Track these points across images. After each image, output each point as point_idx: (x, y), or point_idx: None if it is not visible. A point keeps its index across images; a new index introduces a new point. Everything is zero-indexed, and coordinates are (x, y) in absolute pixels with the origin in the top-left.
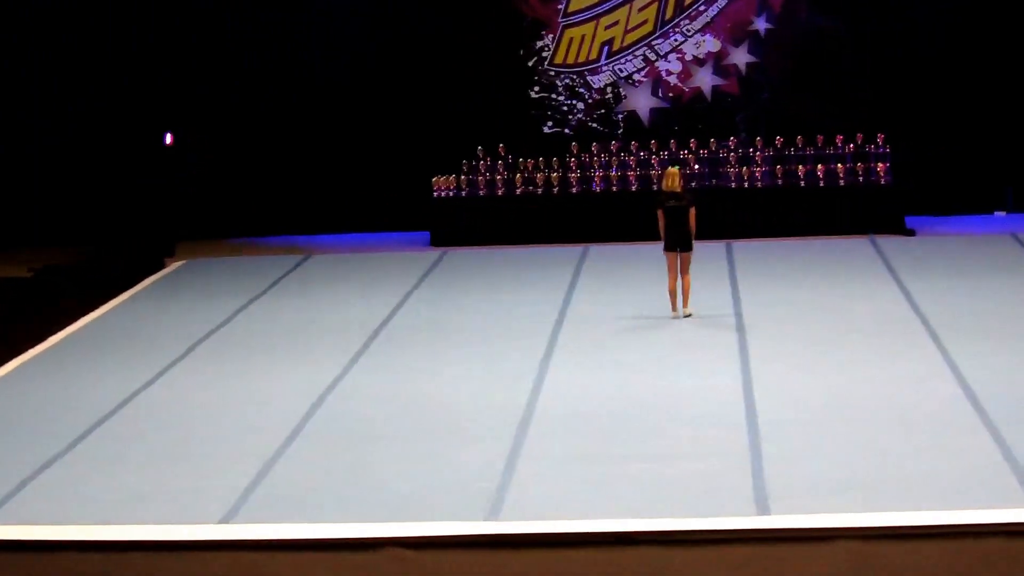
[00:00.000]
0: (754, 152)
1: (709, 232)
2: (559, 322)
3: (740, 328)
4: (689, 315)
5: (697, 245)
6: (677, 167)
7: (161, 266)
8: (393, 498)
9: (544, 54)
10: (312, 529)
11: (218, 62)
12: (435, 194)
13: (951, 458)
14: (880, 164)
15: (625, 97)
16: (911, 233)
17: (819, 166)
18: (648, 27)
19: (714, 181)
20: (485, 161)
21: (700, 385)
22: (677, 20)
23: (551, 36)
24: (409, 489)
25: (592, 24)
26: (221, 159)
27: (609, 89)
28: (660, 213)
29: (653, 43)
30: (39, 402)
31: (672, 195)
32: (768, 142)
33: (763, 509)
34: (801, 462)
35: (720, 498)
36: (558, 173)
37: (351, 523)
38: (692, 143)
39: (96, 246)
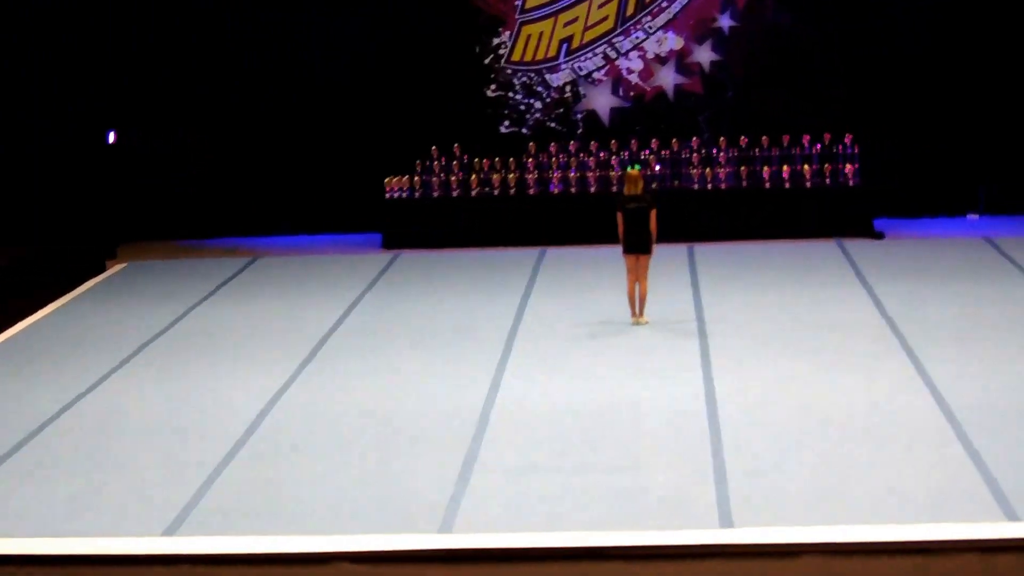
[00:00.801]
0: (718, 153)
1: (671, 235)
2: (515, 328)
3: (702, 334)
4: (645, 323)
5: (658, 248)
6: (638, 168)
7: (102, 269)
8: (343, 510)
9: (501, 51)
10: (258, 542)
11: (157, 60)
12: (387, 195)
13: (922, 470)
14: (848, 165)
15: (584, 96)
16: (880, 236)
17: (785, 167)
18: (608, 24)
19: (676, 182)
20: (439, 161)
21: (662, 394)
22: (639, 17)
23: (508, 33)
24: (359, 501)
25: (551, 21)
26: (166, 159)
27: (568, 88)
28: (620, 215)
29: (614, 40)
30: None
31: (632, 197)
32: (732, 142)
33: (727, 523)
34: (766, 474)
35: (682, 511)
36: (515, 174)
37: (299, 536)
38: (654, 143)
39: (33, 247)
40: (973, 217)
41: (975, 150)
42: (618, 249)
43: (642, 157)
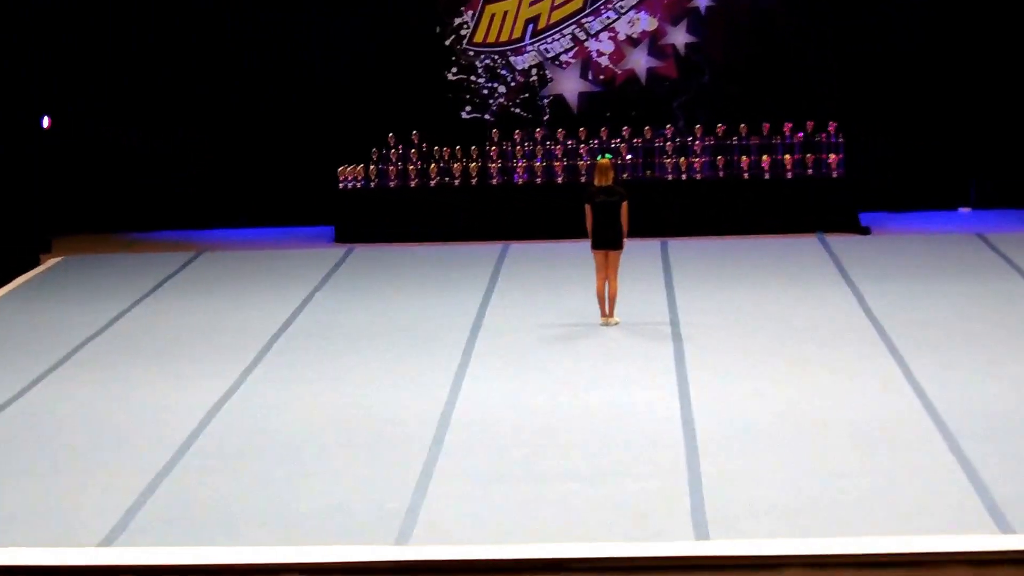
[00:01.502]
0: (693, 141)
1: (643, 229)
2: (476, 328)
3: (676, 336)
4: (616, 323)
5: (629, 243)
6: (608, 157)
7: (36, 263)
8: (292, 520)
9: (463, 32)
10: (202, 553)
11: (96, 51)
12: (341, 185)
13: (910, 479)
14: (832, 155)
15: (551, 80)
16: (866, 231)
17: (764, 157)
18: (577, 3)
19: (649, 173)
20: (396, 149)
21: (633, 399)
22: None
23: (471, 13)
24: (310, 510)
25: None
26: (105, 149)
27: (534, 71)
28: (588, 208)
29: (583, 21)
30: None
31: (603, 189)
32: (708, 130)
33: (702, 534)
34: (744, 483)
35: (655, 522)
36: (477, 163)
37: (246, 547)
38: (625, 131)
39: None
40: (965, 211)
41: (967, 141)
42: (587, 244)
43: (612, 145)
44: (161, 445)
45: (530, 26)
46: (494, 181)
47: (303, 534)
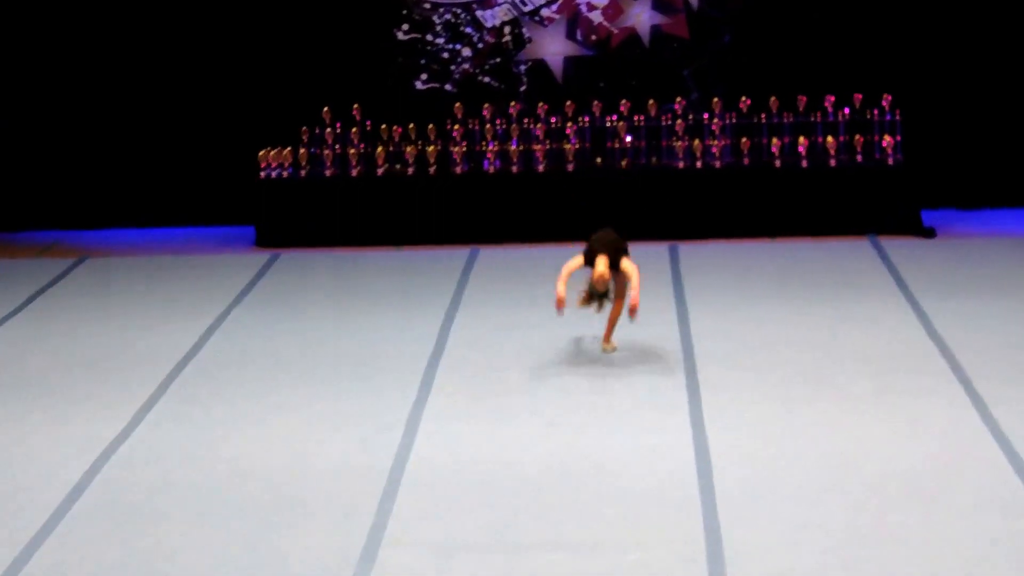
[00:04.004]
0: (710, 119)
1: (648, 230)
2: (437, 355)
3: (690, 364)
4: (612, 350)
5: (632, 248)
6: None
7: None
8: None
9: None
10: None
11: None
12: (262, 174)
13: (989, 547)
14: (886, 137)
15: (530, 41)
16: (930, 234)
17: (801, 139)
18: None
19: (654, 159)
20: (333, 128)
21: (635, 444)
22: None
23: None
24: None
25: None
26: None
27: (507, 29)
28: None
29: None
30: None
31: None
32: (729, 105)
33: None
34: (776, 552)
35: None
36: (436, 146)
37: None
38: (623, 106)
39: None
40: None
41: None
42: (575, 251)
43: (608, 124)
44: (34, 506)
45: None
46: (458, 169)
47: None
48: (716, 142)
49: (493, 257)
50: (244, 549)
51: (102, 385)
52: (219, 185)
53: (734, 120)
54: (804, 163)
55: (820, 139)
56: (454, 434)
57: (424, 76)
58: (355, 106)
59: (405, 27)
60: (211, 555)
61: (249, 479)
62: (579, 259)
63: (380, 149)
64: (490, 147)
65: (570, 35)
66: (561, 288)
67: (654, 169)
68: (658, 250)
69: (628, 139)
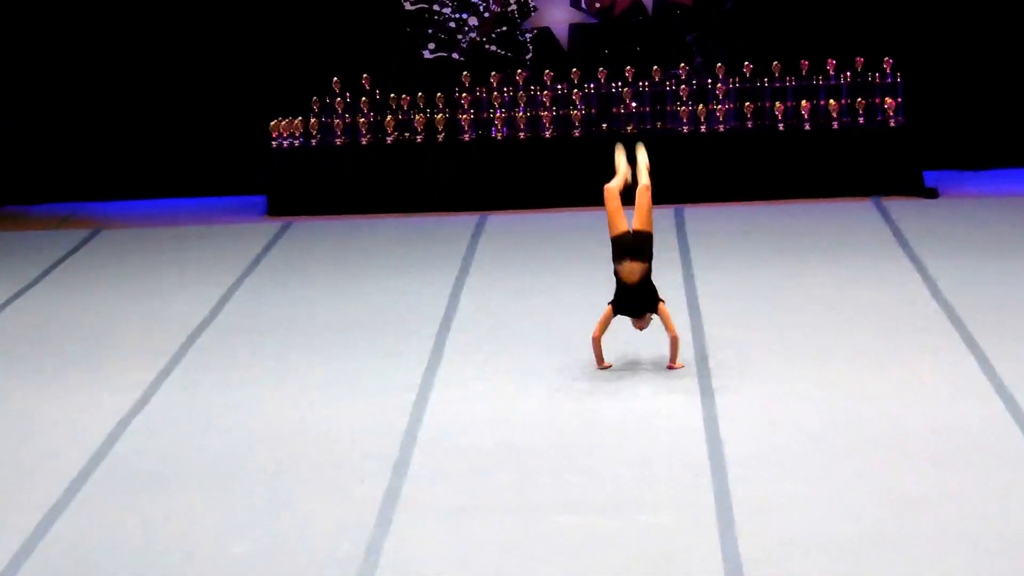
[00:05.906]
0: (714, 84)
1: (654, 194)
2: (447, 321)
3: (697, 326)
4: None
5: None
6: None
7: None
8: (224, 564)
9: None
10: None
11: None
12: (274, 143)
13: (996, 504)
14: (888, 99)
15: (535, 9)
16: (933, 194)
17: (803, 102)
18: None
19: (659, 124)
20: (343, 98)
21: (645, 407)
22: None
23: None
24: (246, 551)
25: None
26: None
27: None
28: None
29: None
30: None
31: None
32: (733, 70)
33: None
34: (788, 512)
35: (678, 562)
36: (444, 114)
37: None
38: (628, 72)
39: None
40: None
41: None
42: (583, 215)
43: (612, 89)
44: (54, 474)
45: None
46: (466, 137)
47: None
48: (720, 107)
49: (502, 223)
50: (261, 514)
51: (119, 354)
52: (231, 155)
53: (737, 84)
54: (807, 126)
55: (822, 102)
56: (467, 398)
57: (432, 45)
58: (364, 76)
59: None
60: (228, 520)
61: (265, 445)
62: (607, 312)
63: (389, 118)
64: (498, 114)
65: (574, 3)
66: (598, 347)
67: (659, 133)
68: (664, 213)
69: (633, 105)
